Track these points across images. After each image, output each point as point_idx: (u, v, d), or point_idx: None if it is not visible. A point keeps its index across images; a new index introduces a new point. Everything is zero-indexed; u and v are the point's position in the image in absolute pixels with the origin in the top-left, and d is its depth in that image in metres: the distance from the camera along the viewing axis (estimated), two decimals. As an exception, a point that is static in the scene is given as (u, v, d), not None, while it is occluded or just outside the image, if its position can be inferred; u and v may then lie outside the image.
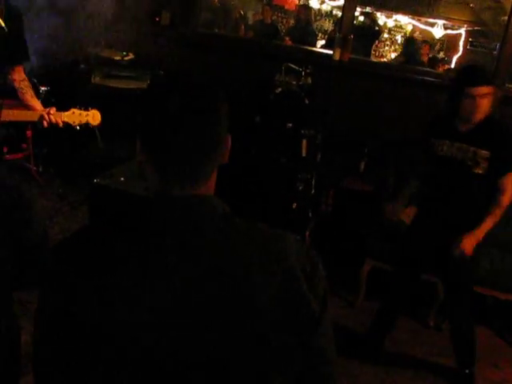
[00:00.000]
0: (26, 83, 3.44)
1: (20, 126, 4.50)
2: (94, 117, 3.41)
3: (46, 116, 3.20)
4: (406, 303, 3.67)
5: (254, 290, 1.10)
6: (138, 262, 1.09)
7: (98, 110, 3.50)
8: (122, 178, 3.52)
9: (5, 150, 4.27)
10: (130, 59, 5.11)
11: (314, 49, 6.74)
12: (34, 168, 4.80)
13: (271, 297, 1.10)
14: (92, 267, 1.10)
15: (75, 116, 3.33)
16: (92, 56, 5.05)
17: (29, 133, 4.62)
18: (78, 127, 3.37)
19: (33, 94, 3.44)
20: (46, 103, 4.73)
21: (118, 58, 5.03)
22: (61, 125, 3.26)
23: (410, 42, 7.06)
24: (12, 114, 3.19)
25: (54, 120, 3.22)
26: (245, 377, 1.11)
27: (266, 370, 1.12)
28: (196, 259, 1.10)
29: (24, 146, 4.68)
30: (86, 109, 3.38)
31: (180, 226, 1.11)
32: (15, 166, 4.50)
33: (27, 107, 3.36)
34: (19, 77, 3.41)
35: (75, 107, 3.34)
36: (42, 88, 4.52)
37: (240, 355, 1.10)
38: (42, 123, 3.21)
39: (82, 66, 4.84)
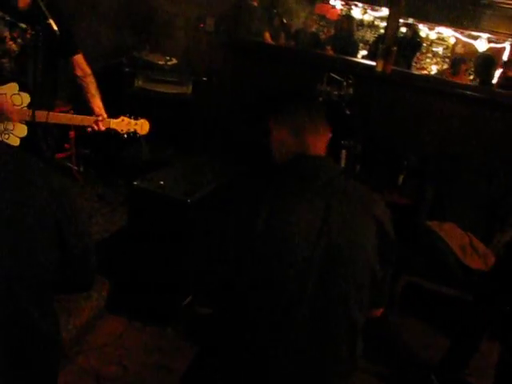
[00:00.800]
0: (88, 79, 3.42)
1: (64, 126, 4.58)
2: (142, 126, 3.46)
3: (95, 125, 3.28)
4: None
5: (359, 226, 1.70)
6: (291, 195, 1.71)
7: (142, 115, 3.53)
8: (162, 182, 3.54)
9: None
10: (174, 64, 5.16)
11: (357, 59, 6.71)
12: (75, 168, 4.87)
13: (369, 235, 1.70)
14: (258, 196, 1.73)
15: (124, 124, 3.39)
16: (136, 60, 5.12)
17: (72, 133, 4.70)
18: (125, 135, 3.42)
19: (94, 92, 3.41)
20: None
21: (161, 62, 5.08)
22: (103, 130, 3.31)
23: (488, 62, 6.55)
24: (65, 118, 3.30)
25: (101, 128, 3.29)
26: (349, 289, 1.68)
27: (362, 287, 1.70)
28: (327, 197, 1.70)
29: (67, 146, 4.76)
30: (136, 118, 3.43)
31: (315, 173, 1.76)
32: (58, 165, 4.57)
33: (87, 107, 3.38)
34: (82, 72, 3.41)
35: (125, 115, 3.40)
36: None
37: (351, 271, 1.67)
38: (88, 130, 3.30)
39: (127, 69, 4.90)
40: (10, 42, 3.26)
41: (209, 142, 4.96)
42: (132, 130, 3.42)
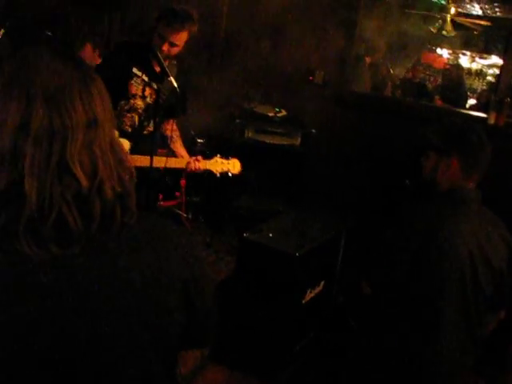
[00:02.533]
0: (177, 133, 3.75)
1: (176, 175, 4.74)
2: (234, 165, 3.66)
3: (192, 163, 3.52)
4: None
5: (497, 244, 2.34)
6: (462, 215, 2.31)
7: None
8: (271, 234, 3.57)
9: (160, 197, 4.52)
10: (283, 116, 5.24)
11: (466, 111, 6.54)
12: (185, 215, 5.00)
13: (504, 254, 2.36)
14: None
15: (217, 164, 3.60)
16: (247, 111, 5.24)
17: (183, 182, 4.85)
18: (218, 175, 3.61)
19: (181, 143, 3.76)
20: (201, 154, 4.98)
21: (271, 114, 5.17)
22: (201, 171, 3.57)
23: None
24: (163, 161, 3.46)
25: (197, 167, 3.54)
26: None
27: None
28: (479, 221, 2.33)
29: (177, 194, 4.90)
30: (227, 158, 3.63)
31: (473, 201, 2.35)
32: (168, 212, 4.71)
33: (175, 154, 3.67)
34: (171, 127, 3.71)
35: (217, 156, 3.62)
36: (199, 140, 4.75)
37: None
38: (187, 169, 3.54)
39: (238, 120, 5.02)
40: (140, 100, 3.51)
41: (316, 195, 4.96)
42: (225, 169, 3.61)
